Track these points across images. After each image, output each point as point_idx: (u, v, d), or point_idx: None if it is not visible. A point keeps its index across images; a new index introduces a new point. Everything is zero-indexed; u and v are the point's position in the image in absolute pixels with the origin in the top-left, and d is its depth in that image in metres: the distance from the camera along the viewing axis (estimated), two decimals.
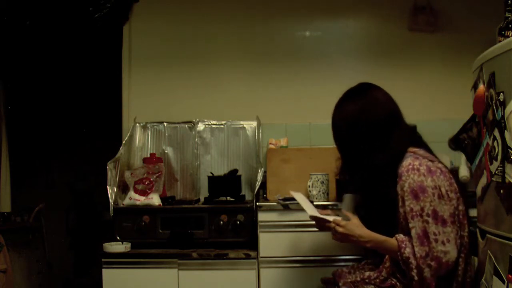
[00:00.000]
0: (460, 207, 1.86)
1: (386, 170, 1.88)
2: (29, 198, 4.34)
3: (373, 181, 1.91)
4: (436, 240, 1.76)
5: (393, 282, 1.89)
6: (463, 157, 2.82)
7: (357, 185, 2.02)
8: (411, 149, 1.93)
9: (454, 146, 2.18)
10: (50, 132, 4.70)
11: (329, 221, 2.00)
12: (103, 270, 2.56)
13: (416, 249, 1.77)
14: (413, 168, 1.82)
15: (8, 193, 3.50)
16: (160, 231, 2.65)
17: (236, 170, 2.95)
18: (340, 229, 1.93)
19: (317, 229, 2.21)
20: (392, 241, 1.84)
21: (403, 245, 1.80)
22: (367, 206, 1.98)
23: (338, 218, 2.00)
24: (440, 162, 1.93)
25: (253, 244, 2.59)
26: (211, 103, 3.30)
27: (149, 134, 3.23)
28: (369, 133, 1.93)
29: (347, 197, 2.07)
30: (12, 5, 3.09)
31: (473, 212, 1.98)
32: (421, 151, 1.92)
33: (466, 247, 1.87)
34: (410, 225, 1.79)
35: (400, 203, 1.83)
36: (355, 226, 1.92)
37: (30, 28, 3.08)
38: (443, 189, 1.81)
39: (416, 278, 1.78)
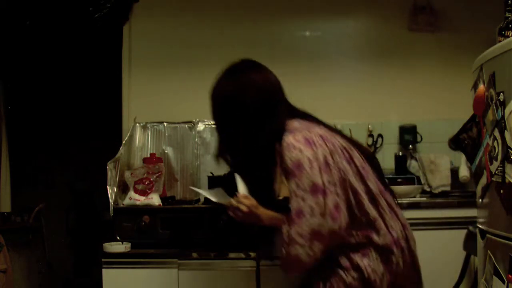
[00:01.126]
0: (352, 179, 1.71)
1: (265, 151, 1.81)
2: (29, 198, 4.35)
3: (252, 163, 1.87)
4: (312, 214, 1.63)
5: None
6: (463, 157, 2.83)
7: (238, 166, 1.98)
8: (289, 124, 1.82)
9: (454, 146, 2.18)
10: (50, 132, 4.70)
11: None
12: (103, 270, 2.56)
13: (292, 228, 1.65)
14: (288, 146, 1.72)
15: (8, 193, 3.50)
16: (160, 231, 2.65)
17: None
18: (244, 208, 1.84)
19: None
20: (282, 219, 1.74)
21: (285, 221, 1.70)
22: (253, 187, 1.92)
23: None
24: (324, 127, 1.85)
25: (253, 244, 2.59)
26: None
27: (149, 134, 3.22)
28: (243, 114, 1.87)
29: (239, 177, 1.93)
30: (12, 5, 3.09)
31: (473, 212, 1.98)
32: (295, 123, 1.82)
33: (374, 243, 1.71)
34: (291, 203, 1.68)
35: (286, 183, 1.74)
36: (254, 206, 1.85)
37: (30, 28, 3.08)
38: (328, 157, 1.69)
39: (283, 253, 1.69)
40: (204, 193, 2.14)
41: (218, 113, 2.03)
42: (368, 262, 1.70)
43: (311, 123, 1.85)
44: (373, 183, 1.75)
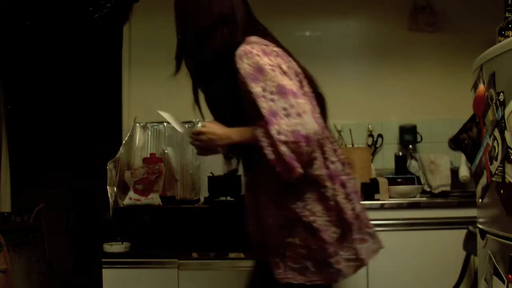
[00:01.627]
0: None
1: (218, 64, 1.78)
2: (29, 198, 4.35)
3: (208, 76, 1.87)
4: (287, 115, 1.56)
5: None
6: (463, 157, 2.83)
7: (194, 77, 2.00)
8: (247, 38, 1.77)
9: (454, 146, 2.18)
10: (50, 132, 4.70)
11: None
12: (103, 270, 2.56)
13: (269, 128, 1.56)
14: (245, 53, 1.66)
15: (8, 193, 3.50)
16: (160, 231, 2.65)
17: (236, 170, 2.95)
18: (204, 135, 1.80)
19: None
20: (253, 129, 1.64)
21: (258, 126, 1.61)
22: (214, 105, 1.94)
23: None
24: (278, 46, 1.80)
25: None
26: None
27: (149, 134, 3.22)
28: (199, 27, 1.84)
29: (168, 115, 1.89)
30: (12, 5, 3.09)
31: (473, 212, 1.98)
32: (253, 38, 1.76)
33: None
34: (260, 109, 1.59)
35: (244, 93, 1.66)
36: (215, 128, 1.79)
37: (30, 28, 3.08)
38: (283, 66, 1.68)
39: (272, 156, 1.58)
40: (168, 117, 2.05)
41: (178, 21, 2.00)
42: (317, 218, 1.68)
43: (271, 42, 1.81)
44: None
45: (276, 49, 1.75)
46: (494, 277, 1.64)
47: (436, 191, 2.91)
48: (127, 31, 3.33)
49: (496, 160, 1.64)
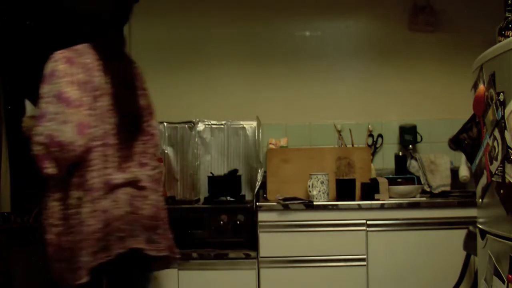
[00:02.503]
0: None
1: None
2: (29, 198, 4.34)
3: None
4: (51, 119, 1.69)
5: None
6: (463, 157, 2.83)
7: None
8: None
9: (454, 146, 2.18)
10: None
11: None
12: None
13: (36, 128, 1.72)
14: (53, 56, 1.83)
15: (8, 193, 3.50)
16: None
17: (236, 170, 2.95)
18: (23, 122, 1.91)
19: None
20: None
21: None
22: None
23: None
24: (104, 61, 1.89)
25: (253, 244, 2.59)
26: (211, 103, 3.30)
27: None
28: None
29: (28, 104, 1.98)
30: (12, 5, 3.09)
31: (473, 212, 1.98)
32: (79, 46, 1.88)
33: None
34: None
35: None
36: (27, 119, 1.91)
37: (30, 28, 3.07)
38: (79, 77, 1.77)
39: (33, 152, 1.74)
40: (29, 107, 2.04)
41: None
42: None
43: (96, 55, 1.87)
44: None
45: (89, 61, 1.82)
46: (494, 277, 1.64)
47: (436, 191, 2.91)
48: (127, 32, 3.33)
49: (496, 160, 1.64)
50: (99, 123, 1.78)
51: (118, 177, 1.81)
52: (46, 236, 1.80)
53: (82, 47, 1.86)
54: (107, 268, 1.78)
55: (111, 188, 1.78)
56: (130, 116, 1.92)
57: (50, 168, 1.73)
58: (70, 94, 1.73)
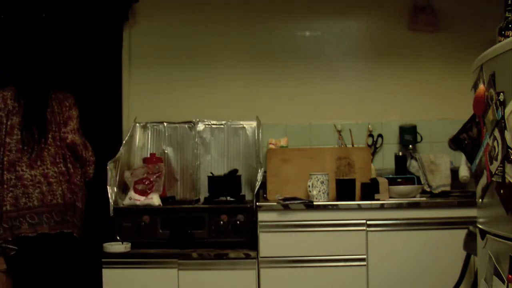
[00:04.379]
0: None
1: None
2: None
3: None
4: None
5: None
6: (463, 157, 2.83)
7: None
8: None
9: (454, 146, 2.18)
10: None
11: None
12: (103, 270, 2.56)
13: None
14: None
15: None
16: (160, 231, 2.65)
17: (236, 170, 2.95)
18: None
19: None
20: None
21: None
22: None
23: None
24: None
25: (253, 244, 2.59)
26: (211, 103, 3.30)
27: (149, 134, 3.23)
28: None
29: None
30: (12, 5, 3.09)
31: (473, 212, 1.98)
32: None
33: None
34: None
35: None
36: None
37: (29, 28, 3.08)
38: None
39: None
40: None
41: None
42: None
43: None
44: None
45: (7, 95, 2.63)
46: (494, 277, 1.64)
47: (436, 191, 2.92)
48: (127, 31, 3.33)
49: (496, 160, 1.64)
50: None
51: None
52: None
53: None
54: None
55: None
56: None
57: None
58: None
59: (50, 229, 2.50)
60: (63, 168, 2.61)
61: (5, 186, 2.50)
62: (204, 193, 3.05)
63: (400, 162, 3.10)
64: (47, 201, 2.52)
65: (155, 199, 2.74)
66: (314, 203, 2.59)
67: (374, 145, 3.23)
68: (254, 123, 3.20)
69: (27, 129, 2.57)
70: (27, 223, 2.47)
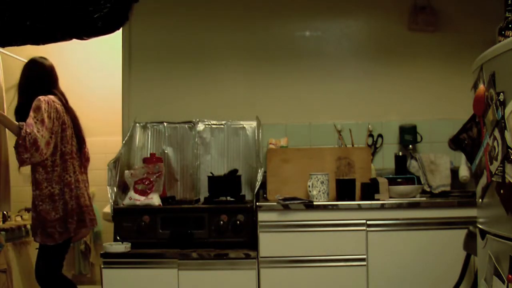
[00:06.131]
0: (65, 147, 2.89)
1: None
2: (29, 198, 4.33)
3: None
4: (38, 130, 2.71)
5: None
6: (463, 157, 2.83)
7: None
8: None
9: (454, 146, 2.18)
10: None
11: None
12: (103, 270, 2.56)
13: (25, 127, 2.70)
14: (37, 99, 2.81)
15: (8, 193, 3.50)
16: (160, 231, 2.65)
17: (236, 170, 2.95)
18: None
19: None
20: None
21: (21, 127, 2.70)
22: None
23: None
24: (62, 104, 2.95)
25: (253, 244, 2.59)
26: (211, 103, 3.30)
27: (149, 134, 3.23)
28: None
29: None
30: (12, 4, 3.09)
31: (473, 212, 1.98)
32: (51, 96, 2.90)
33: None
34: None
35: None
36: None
37: (29, 28, 3.08)
38: (51, 113, 2.82)
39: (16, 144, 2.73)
40: None
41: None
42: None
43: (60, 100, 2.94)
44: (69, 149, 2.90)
45: (57, 106, 2.88)
46: (494, 277, 1.64)
47: (436, 191, 2.92)
48: (127, 31, 3.33)
49: (496, 160, 1.64)
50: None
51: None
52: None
53: (52, 97, 2.89)
54: None
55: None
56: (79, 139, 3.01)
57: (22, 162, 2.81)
58: (47, 121, 2.78)
59: (94, 224, 2.98)
60: (85, 177, 3.03)
61: (72, 186, 2.86)
62: (204, 193, 3.05)
63: (400, 162, 3.10)
64: (86, 203, 2.92)
65: (155, 199, 2.74)
66: (314, 203, 2.59)
67: (374, 145, 3.23)
68: (254, 123, 3.20)
69: (78, 141, 2.98)
70: (87, 219, 2.88)
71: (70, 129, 2.92)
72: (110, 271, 2.57)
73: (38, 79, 2.97)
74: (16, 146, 2.69)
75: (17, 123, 2.74)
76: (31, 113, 2.74)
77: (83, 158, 3.02)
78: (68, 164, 2.86)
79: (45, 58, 3.08)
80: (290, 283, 2.56)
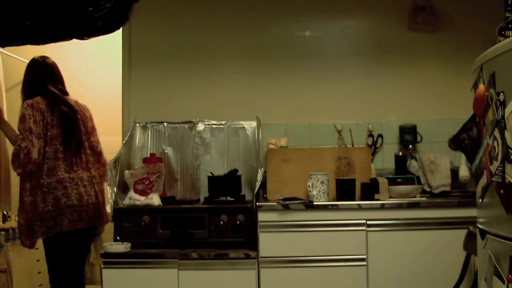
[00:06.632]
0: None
1: None
2: None
3: None
4: (23, 139, 2.75)
5: None
6: (463, 157, 2.83)
7: None
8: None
9: (454, 146, 2.19)
10: None
11: None
12: (103, 270, 2.56)
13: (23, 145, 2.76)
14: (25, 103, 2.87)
15: (8, 193, 3.50)
16: (160, 231, 2.65)
17: (236, 170, 2.95)
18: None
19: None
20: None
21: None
22: None
23: None
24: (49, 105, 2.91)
25: (253, 244, 2.59)
26: (211, 103, 3.30)
27: (149, 134, 3.23)
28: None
29: None
30: (12, 4, 3.09)
31: (473, 212, 1.98)
32: (38, 98, 2.89)
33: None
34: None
35: None
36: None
37: (29, 28, 3.08)
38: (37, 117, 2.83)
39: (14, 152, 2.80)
40: None
41: None
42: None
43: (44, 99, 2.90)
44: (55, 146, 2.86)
45: (42, 107, 2.85)
46: (494, 277, 1.64)
47: (436, 191, 2.92)
48: (127, 31, 3.33)
49: (496, 160, 1.64)
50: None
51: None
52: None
53: (39, 98, 2.88)
54: None
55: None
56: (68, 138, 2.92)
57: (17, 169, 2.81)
58: (35, 128, 2.80)
59: (86, 224, 2.86)
60: (94, 173, 2.96)
61: (45, 189, 2.79)
62: (204, 193, 3.05)
63: (400, 162, 3.10)
64: (84, 200, 2.84)
65: (155, 199, 2.74)
66: (314, 203, 2.59)
67: (374, 145, 3.23)
68: (254, 123, 3.20)
69: (65, 140, 2.88)
70: (67, 220, 2.79)
71: (55, 129, 2.86)
72: (110, 271, 2.57)
73: (36, 79, 2.97)
74: (12, 159, 2.77)
75: (17, 133, 2.79)
76: (19, 125, 2.80)
77: (85, 153, 2.94)
78: (49, 164, 2.81)
79: (46, 57, 3.07)
80: (290, 283, 2.56)
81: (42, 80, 2.97)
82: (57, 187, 2.79)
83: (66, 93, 3.04)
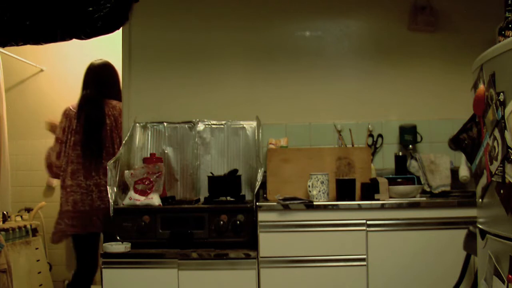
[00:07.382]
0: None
1: None
2: (29, 198, 4.35)
3: None
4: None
5: None
6: (463, 157, 2.83)
7: None
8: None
9: (454, 146, 2.19)
10: None
11: None
12: (103, 270, 2.56)
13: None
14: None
15: (8, 193, 3.50)
16: (160, 231, 2.65)
17: (236, 170, 2.95)
18: None
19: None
20: None
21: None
22: None
23: None
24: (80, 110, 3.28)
25: (253, 244, 2.59)
26: (211, 103, 3.30)
27: (149, 134, 3.23)
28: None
29: None
30: (12, 4, 3.09)
31: (473, 212, 1.98)
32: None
33: None
34: None
35: None
36: None
37: (30, 28, 3.08)
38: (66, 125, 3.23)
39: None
40: None
41: None
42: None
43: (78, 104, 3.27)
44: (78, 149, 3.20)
45: (72, 113, 3.23)
46: (494, 277, 1.65)
47: (436, 191, 2.92)
48: (127, 31, 3.33)
49: (496, 160, 1.64)
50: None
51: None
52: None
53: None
54: None
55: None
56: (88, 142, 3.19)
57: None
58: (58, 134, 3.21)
59: (97, 228, 3.13)
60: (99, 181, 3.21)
61: (68, 190, 3.12)
62: (204, 193, 3.05)
63: (400, 162, 3.10)
64: (95, 206, 3.13)
65: (155, 199, 2.74)
66: (314, 203, 2.59)
67: (374, 145, 3.23)
68: (254, 123, 3.20)
69: (85, 145, 3.14)
70: (80, 225, 3.11)
71: (78, 135, 3.14)
72: (110, 271, 2.57)
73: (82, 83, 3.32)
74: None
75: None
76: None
77: (108, 159, 2.98)
78: (68, 169, 3.15)
79: (97, 60, 3.41)
80: (290, 283, 2.56)
81: (84, 84, 3.29)
82: (77, 191, 3.11)
83: (107, 96, 3.24)
